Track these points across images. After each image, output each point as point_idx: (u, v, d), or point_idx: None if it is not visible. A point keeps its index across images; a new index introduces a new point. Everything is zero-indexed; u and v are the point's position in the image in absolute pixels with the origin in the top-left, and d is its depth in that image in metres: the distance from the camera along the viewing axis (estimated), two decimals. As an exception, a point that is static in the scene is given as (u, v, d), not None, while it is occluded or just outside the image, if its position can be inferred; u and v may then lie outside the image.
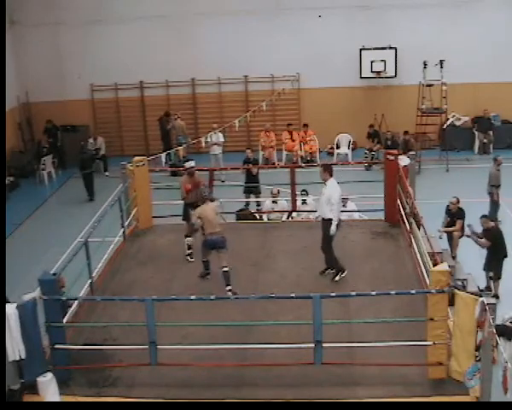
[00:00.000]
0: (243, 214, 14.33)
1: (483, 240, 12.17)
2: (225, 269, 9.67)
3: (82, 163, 18.97)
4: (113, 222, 11.32)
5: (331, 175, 9.96)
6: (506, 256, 12.19)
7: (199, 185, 10.73)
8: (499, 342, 6.94)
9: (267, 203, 14.44)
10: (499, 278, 12.20)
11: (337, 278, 9.97)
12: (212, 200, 10.13)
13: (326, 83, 21.10)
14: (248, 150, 17.38)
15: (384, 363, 7.63)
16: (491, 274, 12.30)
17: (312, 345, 7.43)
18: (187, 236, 10.93)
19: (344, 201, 13.70)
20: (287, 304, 8.71)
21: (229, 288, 9.60)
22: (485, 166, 15.66)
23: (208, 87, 21.71)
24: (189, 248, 10.93)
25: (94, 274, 9.97)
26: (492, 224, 12.42)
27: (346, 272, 9.98)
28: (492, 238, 12.12)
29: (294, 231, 12.17)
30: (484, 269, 12.40)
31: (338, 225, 9.86)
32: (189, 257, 10.90)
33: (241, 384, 7.65)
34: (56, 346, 7.73)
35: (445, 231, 13.30)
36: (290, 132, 20.93)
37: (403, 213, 11.32)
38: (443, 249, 12.52)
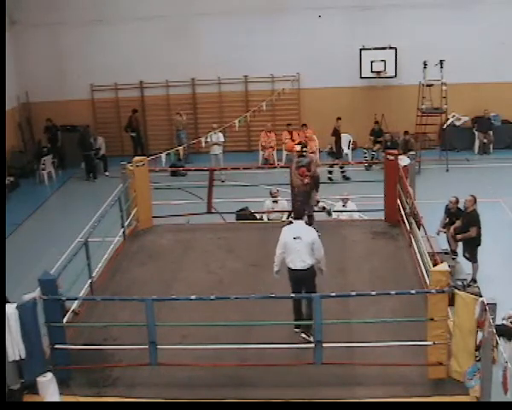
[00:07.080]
0: (243, 214, 14.34)
1: (472, 230, 12.22)
2: None
3: (82, 141, 19.34)
4: (113, 222, 11.32)
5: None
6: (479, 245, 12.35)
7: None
8: (499, 342, 6.94)
9: (267, 203, 14.43)
10: (475, 261, 12.37)
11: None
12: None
13: (326, 83, 21.09)
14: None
15: (384, 363, 7.63)
16: (467, 255, 12.46)
17: (312, 345, 7.44)
18: None
19: (344, 201, 13.82)
20: (287, 304, 8.70)
21: None
22: (485, 167, 15.66)
23: (208, 87, 21.70)
24: None
25: (94, 274, 9.96)
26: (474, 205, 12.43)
27: None
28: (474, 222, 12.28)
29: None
30: (463, 255, 12.61)
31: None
32: None
33: (241, 384, 7.64)
34: (56, 346, 7.73)
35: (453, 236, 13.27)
36: (290, 132, 20.92)
37: (403, 213, 11.32)
38: (442, 249, 12.54)
